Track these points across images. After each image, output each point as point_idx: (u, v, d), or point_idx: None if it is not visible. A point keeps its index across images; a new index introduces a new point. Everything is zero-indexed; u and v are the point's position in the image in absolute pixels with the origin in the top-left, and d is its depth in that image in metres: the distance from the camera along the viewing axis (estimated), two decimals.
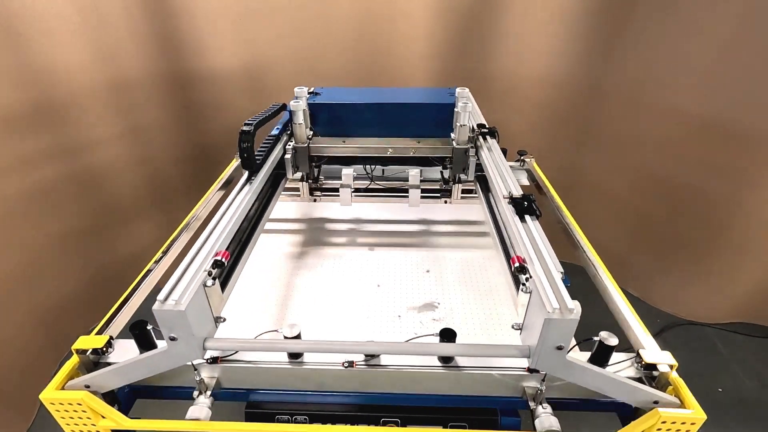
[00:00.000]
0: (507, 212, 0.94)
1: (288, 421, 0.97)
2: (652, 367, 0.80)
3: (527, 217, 0.92)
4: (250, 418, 0.97)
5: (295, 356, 0.87)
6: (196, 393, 0.87)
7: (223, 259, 0.82)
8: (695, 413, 0.74)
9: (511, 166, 1.52)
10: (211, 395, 0.90)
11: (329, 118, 1.59)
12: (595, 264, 1.06)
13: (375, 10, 2.12)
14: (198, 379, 0.86)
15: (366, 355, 0.86)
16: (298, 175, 1.47)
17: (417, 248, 1.39)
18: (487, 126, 1.37)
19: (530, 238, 0.86)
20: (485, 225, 1.44)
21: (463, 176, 1.42)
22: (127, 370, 0.80)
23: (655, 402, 0.76)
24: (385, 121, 1.57)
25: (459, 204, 1.50)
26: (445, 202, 1.49)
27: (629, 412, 0.89)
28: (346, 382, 0.88)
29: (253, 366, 0.87)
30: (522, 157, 1.54)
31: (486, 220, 1.21)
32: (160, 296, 0.71)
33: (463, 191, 1.49)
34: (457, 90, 1.46)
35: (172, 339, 0.73)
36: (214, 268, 0.79)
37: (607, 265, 1.05)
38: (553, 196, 1.34)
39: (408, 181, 1.40)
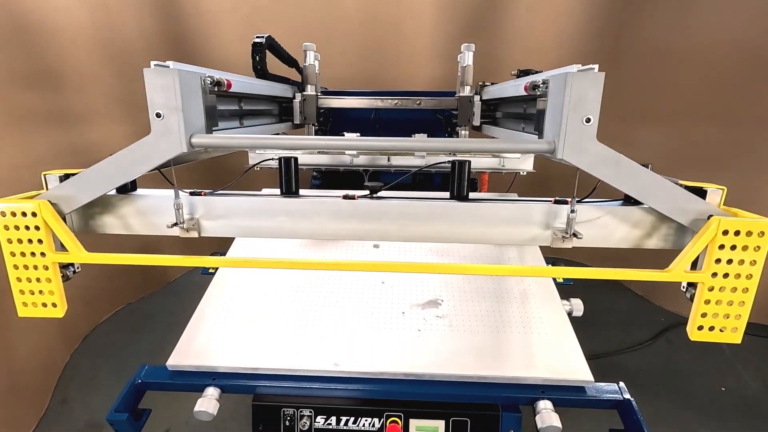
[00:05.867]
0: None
1: (294, 414, 1.00)
2: (698, 190, 0.68)
3: None
4: (257, 410, 1.00)
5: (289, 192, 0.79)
6: (205, 387, 0.88)
7: (225, 82, 0.79)
8: (760, 220, 0.62)
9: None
10: (218, 387, 0.93)
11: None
12: None
13: (381, 10, 2.13)
14: (179, 211, 0.75)
15: (369, 189, 0.77)
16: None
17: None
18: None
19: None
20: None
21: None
22: (101, 173, 0.69)
23: (709, 217, 0.64)
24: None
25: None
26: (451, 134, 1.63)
27: (632, 409, 0.90)
28: (346, 220, 0.76)
29: (236, 197, 0.76)
30: None
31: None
32: (154, 62, 0.64)
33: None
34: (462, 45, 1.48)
35: (158, 116, 0.64)
36: (215, 86, 0.77)
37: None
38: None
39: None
